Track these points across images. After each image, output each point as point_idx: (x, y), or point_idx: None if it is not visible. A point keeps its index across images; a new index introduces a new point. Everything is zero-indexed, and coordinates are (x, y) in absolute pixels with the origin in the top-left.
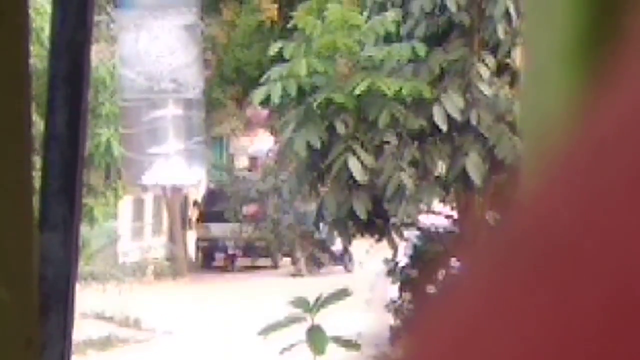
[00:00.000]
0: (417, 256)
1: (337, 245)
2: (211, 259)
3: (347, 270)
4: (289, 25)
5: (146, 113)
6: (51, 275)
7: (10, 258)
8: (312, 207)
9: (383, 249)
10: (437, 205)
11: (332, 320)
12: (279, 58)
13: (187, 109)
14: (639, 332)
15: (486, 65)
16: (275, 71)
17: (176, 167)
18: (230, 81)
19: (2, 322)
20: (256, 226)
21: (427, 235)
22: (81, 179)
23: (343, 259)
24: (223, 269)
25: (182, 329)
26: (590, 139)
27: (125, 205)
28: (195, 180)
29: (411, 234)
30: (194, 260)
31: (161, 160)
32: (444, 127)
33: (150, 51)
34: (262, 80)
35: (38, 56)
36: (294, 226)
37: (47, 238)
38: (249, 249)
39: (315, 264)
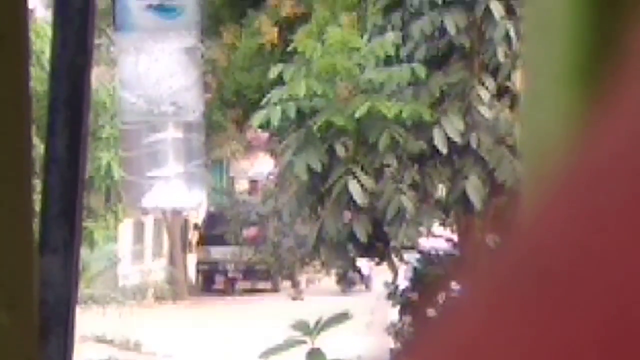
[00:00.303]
0: (418, 279)
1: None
2: (211, 282)
3: (368, 288)
4: (289, 49)
5: (146, 136)
6: (51, 298)
7: (10, 281)
8: (313, 230)
9: (383, 272)
10: (437, 228)
11: (332, 343)
12: (279, 81)
13: (187, 132)
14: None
15: (486, 88)
16: (275, 94)
17: (176, 190)
18: (231, 104)
19: (2, 345)
20: (256, 249)
21: (428, 258)
22: (81, 202)
23: (367, 277)
24: (223, 292)
25: (182, 352)
26: (591, 162)
27: (126, 228)
28: (195, 203)
29: (411, 256)
30: (194, 283)
31: (161, 183)
32: (444, 150)
33: (150, 74)
34: (262, 103)
35: (38, 79)
36: (294, 249)
37: (47, 261)
38: (249, 272)
39: (347, 283)
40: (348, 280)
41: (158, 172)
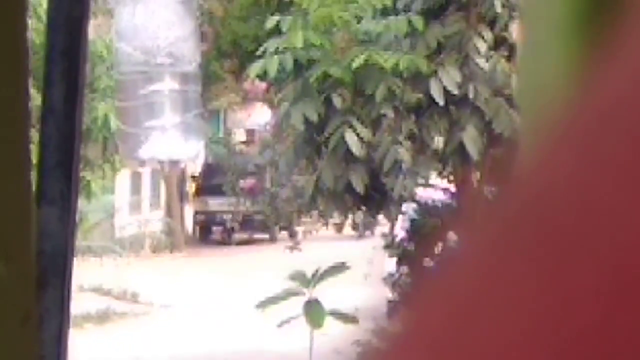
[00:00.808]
0: (415, 230)
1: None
2: (209, 232)
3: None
4: None
5: (142, 87)
6: (49, 249)
7: (8, 232)
8: (310, 181)
9: (380, 223)
10: (434, 179)
11: (329, 294)
12: (276, 31)
13: (184, 83)
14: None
15: (483, 38)
16: (272, 44)
17: (173, 141)
18: (227, 55)
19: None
20: (254, 200)
21: (425, 208)
22: (79, 153)
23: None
24: (221, 243)
25: (179, 303)
26: (589, 111)
27: (123, 179)
28: (192, 154)
29: (408, 207)
30: (191, 234)
31: (158, 134)
32: (441, 101)
33: (147, 25)
34: (258, 53)
35: (36, 30)
36: (291, 200)
37: (44, 212)
38: (246, 223)
39: (362, 227)
40: (364, 225)
41: (155, 123)
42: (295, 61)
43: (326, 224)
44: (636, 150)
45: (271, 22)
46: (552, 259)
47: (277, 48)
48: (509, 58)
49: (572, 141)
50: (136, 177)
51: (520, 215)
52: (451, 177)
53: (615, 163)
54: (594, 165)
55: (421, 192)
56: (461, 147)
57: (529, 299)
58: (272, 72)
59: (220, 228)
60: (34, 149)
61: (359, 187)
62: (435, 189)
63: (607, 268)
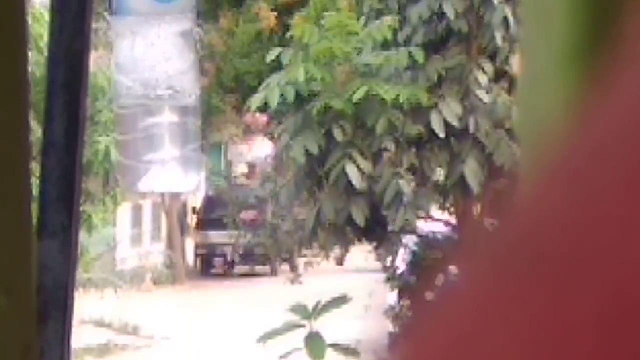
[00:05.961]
0: (416, 262)
1: None
2: (210, 265)
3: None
4: (288, 35)
5: (142, 120)
6: (50, 282)
7: (9, 265)
8: (311, 213)
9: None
10: (435, 211)
11: (330, 326)
12: (278, 65)
13: (183, 116)
14: (636, 337)
15: (484, 71)
16: (274, 78)
17: (172, 173)
18: (229, 89)
19: (1, 329)
20: (255, 233)
21: (426, 241)
22: (79, 186)
23: None
24: (221, 276)
25: (180, 336)
26: (588, 144)
27: (124, 211)
28: (191, 187)
29: (409, 240)
30: (192, 267)
31: (157, 167)
32: (441, 134)
33: (146, 58)
34: (260, 88)
35: (36, 63)
36: (292, 232)
37: (45, 245)
38: (247, 256)
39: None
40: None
41: (154, 156)
42: (297, 94)
43: (327, 257)
44: (632, 183)
45: (272, 55)
46: (550, 289)
47: (279, 81)
48: (509, 90)
49: (571, 173)
50: (137, 210)
51: (519, 246)
52: (452, 210)
53: (612, 194)
54: (591, 197)
55: (422, 225)
56: (462, 179)
57: (528, 331)
58: (273, 103)
59: (221, 260)
60: (34, 182)
61: (360, 220)
62: (436, 221)
63: (605, 296)
